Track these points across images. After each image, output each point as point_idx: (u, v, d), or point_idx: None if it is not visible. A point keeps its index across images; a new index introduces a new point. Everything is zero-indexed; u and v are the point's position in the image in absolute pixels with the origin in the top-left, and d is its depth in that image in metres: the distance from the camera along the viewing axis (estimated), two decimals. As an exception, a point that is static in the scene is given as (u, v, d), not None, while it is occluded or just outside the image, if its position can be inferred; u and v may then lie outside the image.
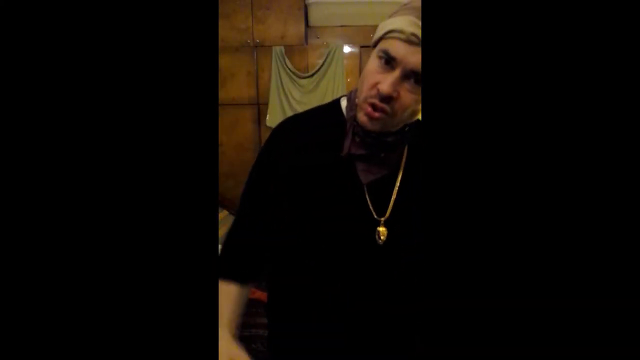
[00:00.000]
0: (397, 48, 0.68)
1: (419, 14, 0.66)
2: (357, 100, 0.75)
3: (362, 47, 3.05)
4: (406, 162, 0.82)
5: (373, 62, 0.71)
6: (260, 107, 3.13)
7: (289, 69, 3.04)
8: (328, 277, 0.79)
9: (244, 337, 2.20)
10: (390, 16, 0.70)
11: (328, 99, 2.94)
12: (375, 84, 0.71)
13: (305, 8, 3.09)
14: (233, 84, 3.11)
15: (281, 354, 0.86)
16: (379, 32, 0.71)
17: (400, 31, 0.67)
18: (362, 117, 0.74)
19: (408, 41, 0.67)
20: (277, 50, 3.02)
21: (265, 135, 3.17)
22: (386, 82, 0.69)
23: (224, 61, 3.06)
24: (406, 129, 0.79)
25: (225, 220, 2.96)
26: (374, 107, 0.72)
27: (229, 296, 0.86)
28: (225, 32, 3.04)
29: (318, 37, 3.11)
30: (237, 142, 3.19)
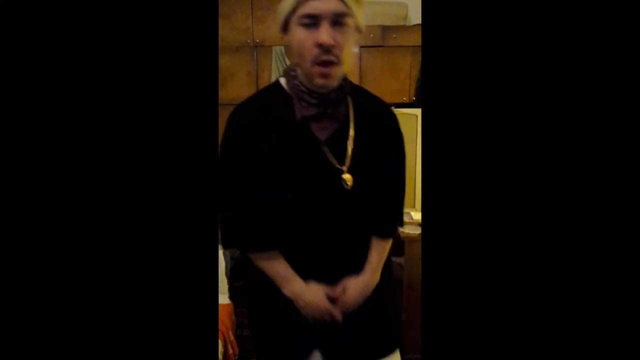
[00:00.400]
0: (314, 6, 0.77)
1: None
2: (303, 70, 0.84)
3: (362, 47, 3.05)
4: (354, 115, 0.92)
5: (298, 33, 0.80)
6: (260, 107, 3.13)
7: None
8: (307, 222, 0.89)
9: (243, 337, 2.20)
10: None
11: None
12: (314, 45, 0.78)
13: None
14: (233, 84, 3.10)
15: (263, 293, 0.96)
16: (286, 11, 0.80)
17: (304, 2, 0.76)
18: (318, 81, 0.83)
19: None
20: (277, 50, 3.01)
21: (266, 135, 3.15)
22: (322, 35, 0.77)
23: (223, 61, 3.05)
24: (343, 83, 0.90)
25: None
26: (323, 64, 0.79)
27: (279, 260, 0.93)
28: (225, 32, 3.04)
29: (318, 37, 3.11)
30: (237, 142, 3.19)
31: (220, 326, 1.73)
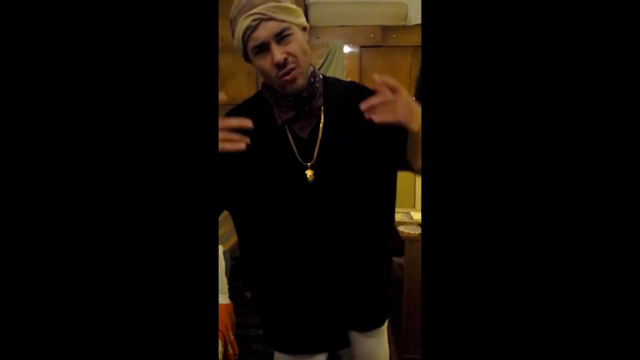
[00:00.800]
0: (256, 37, 0.89)
1: (247, 8, 0.89)
2: (274, 84, 0.95)
3: (362, 47, 3.05)
4: (324, 113, 0.99)
5: (257, 61, 0.93)
6: (260, 107, 3.13)
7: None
8: (274, 213, 0.99)
9: (243, 337, 2.20)
10: (236, 24, 0.92)
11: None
12: (272, 66, 0.90)
13: (305, 8, 3.09)
14: (233, 84, 3.10)
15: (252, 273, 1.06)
16: (239, 47, 0.94)
17: (248, 27, 0.89)
18: (288, 87, 0.93)
19: (256, 28, 0.88)
20: (277, 50, 3.02)
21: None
22: (275, 56, 0.88)
23: (223, 61, 3.05)
24: (312, 80, 0.97)
25: (225, 221, 2.95)
26: (286, 74, 0.90)
27: None
28: (225, 32, 3.04)
29: (318, 37, 3.11)
30: (237, 142, 3.19)
31: (220, 326, 1.73)
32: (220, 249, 1.98)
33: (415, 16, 3.19)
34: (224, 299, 1.93)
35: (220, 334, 1.72)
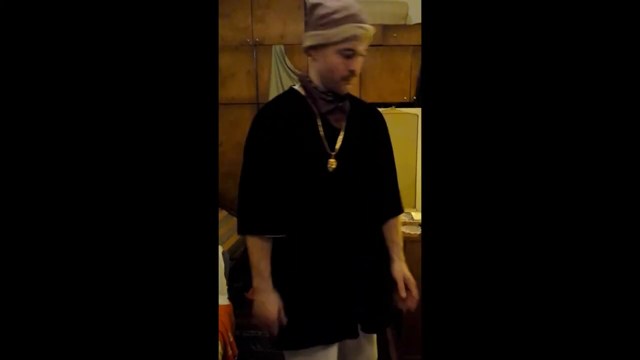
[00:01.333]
0: (357, 45, 1.05)
1: (358, 18, 1.03)
2: (328, 81, 1.09)
3: (362, 46, 3.04)
4: (349, 111, 1.15)
5: (334, 59, 1.05)
6: (259, 106, 3.12)
7: (289, 67, 3.03)
8: (301, 201, 1.09)
9: (242, 338, 2.20)
10: (329, 27, 1.02)
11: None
12: (347, 70, 1.06)
13: (305, 6, 3.08)
14: (233, 83, 3.10)
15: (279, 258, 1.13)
16: (328, 41, 1.03)
17: (356, 36, 1.03)
18: (345, 88, 1.10)
19: (360, 38, 1.04)
20: (277, 49, 3.01)
21: (265, 135, 3.13)
22: (356, 66, 1.07)
23: (223, 60, 3.05)
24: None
25: (225, 220, 2.95)
26: (349, 79, 1.08)
27: (263, 250, 1.10)
28: (225, 31, 3.03)
29: (318, 36, 3.10)
30: (236, 142, 3.18)
31: (220, 327, 1.73)
32: (220, 249, 1.98)
33: (415, 15, 3.19)
34: (223, 299, 1.92)
35: (219, 335, 1.71)
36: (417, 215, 2.21)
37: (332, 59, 1.05)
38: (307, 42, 1.07)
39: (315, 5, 1.04)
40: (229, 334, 1.83)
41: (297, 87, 1.16)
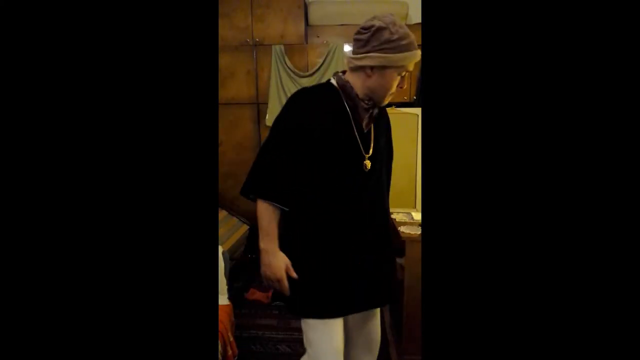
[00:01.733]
0: (411, 67, 1.22)
1: (415, 45, 1.17)
2: (379, 94, 1.21)
3: (362, 46, 3.04)
4: (375, 118, 1.28)
5: (393, 77, 1.18)
6: (259, 106, 3.12)
7: (289, 67, 3.02)
8: (337, 195, 1.22)
9: (243, 338, 2.20)
10: (394, 51, 1.14)
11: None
12: (398, 86, 1.22)
13: (305, 7, 3.08)
14: (232, 83, 3.09)
15: (303, 252, 1.24)
16: (394, 64, 1.15)
17: (414, 60, 1.18)
18: (386, 101, 1.25)
19: (412, 62, 1.19)
20: (277, 49, 3.00)
21: (265, 135, 3.17)
22: (405, 83, 1.25)
23: (223, 60, 3.05)
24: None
25: (225, 220, 2.95)
26: (393, 94, 1.24)
27: (274, 216, 1.22)
28: (225, 31, 3.03)
29: (318, 36, 3.10)
30: (236, 142, 3.18)
31: (220, 327, 1.73)
32: (220, 249, 1.97)
33: (415, 15, 3.19)
34: (223, 299, 1.92)
35: (219, 335, 1.71)
36: (417, 215, 2.21)
37: (390, 77, 1.18)
38: (368, 62, 1.16)
39: (381, 29, 1.13)
40: (229, 333, 1.83)
41: (333, 80, 1.26)
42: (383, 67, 1.15)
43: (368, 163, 1.24)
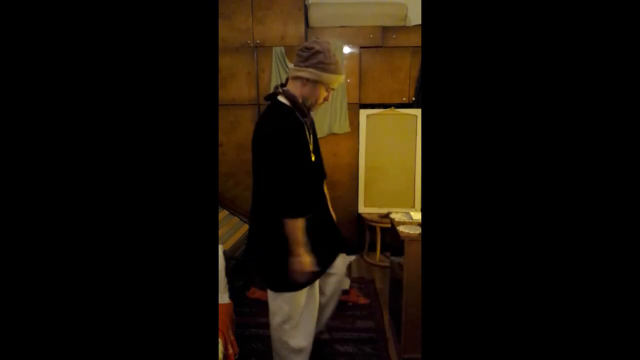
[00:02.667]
0: (336, 86, 1.54)
1: (341, 70, 1.52)
2: (312, 102, 1.54)
3: (362, 47, 3.06)
4: (312, 125, 1.64)
5: (323, 92, 1.52)
6: (260, 107, 3.14)
7: (289, 69, 3.04)
8: (315, 197, 1.63)
9: (244, 337, 2.21)
10: (325, 72, 1.45)
11: (328, 99, 2.94)
12: (325, 99, 1.55)
13: (305, 9, 3.09)
14: (233, 84, 3.11)
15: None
16: (325, 83, 1.49)
17: (339, 82, 1.53)
18: (318, 106, 1.57)
19: (339, 82, 1.54)
20: (277, 50, 3.02)
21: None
22: (329, 96, 1.57)
23: (224, 62, 3.06)
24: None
25: (225, 220, 2.97)
26: (321, 104, 1.57)
27: (303, 227, 1.48)
28: (226, 32, 3.05)
29: (318, 38, 3.12)
30: (237, 143, 3.20)
31: (220, 325, 1.74)
32: (220, 248, 1.99)
33: (414, 17, 3.20)
34: (224, 298, 1.93)
35: (220, 334, 1.72)
36: (417, 215, 2.22)
37: (320, 92, 1.51)
38: (305, 75, 1.45)
39: (318, 52, 1.42)
40: (230, 332, 1.84)
41: (281, 99, 1.52)
42: (315, 82, 1.46)
43: (313, 156, 1.57)
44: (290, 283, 1.54)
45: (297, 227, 1.45)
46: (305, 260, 1.49)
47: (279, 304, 1.60)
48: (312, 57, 1.42)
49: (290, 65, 3.06)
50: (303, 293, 1.59)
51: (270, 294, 1.62)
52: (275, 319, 1.64)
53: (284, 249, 1.48)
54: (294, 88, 1.49)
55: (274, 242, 1.50)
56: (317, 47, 1.42)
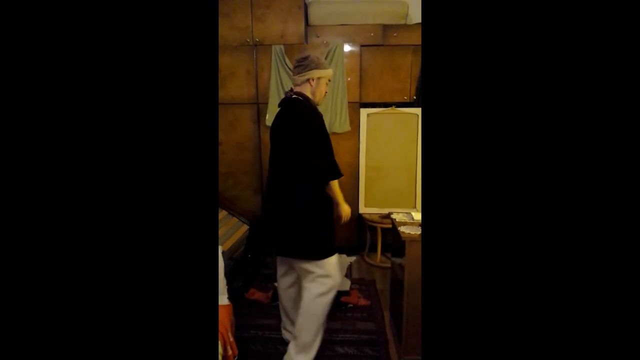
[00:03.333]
0: (330, 77, 1.95)
1: (327, 65, 1.92)
2: (318, 97, 1.90)
3: (362, 45, 3.03)
4: None
5: (325, 86, 1.90)
6: (259, 106, 3.12)
7: (289, 67, 3.02)
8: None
9: (244, 338, 2.19)
10: (323, 68, 1.86)
11: (328, 97, 2.94)
12: (326, 92, 1.94)
13: (305, 7, 3.07)
14: (232, 83, 3.09)
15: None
16: (326, 77, 1.90)
17: (330, 74, 1.94)
18: (321, 101, 1.94)
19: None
20: (277, 49, 3.00)
21: (265, 135, 3.13)
22: (327, 89, 1.95)
23: (223, 60, 3.04)
24: None
25: (224, 220, 2.95)
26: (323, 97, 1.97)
27: (338, 185, 1.87)
28: (225, 30, 3.02)
29: (318, 36, 3.09)
30: (236, 142, 3.18)
31: (220, 327, 1.72)
32: (220, 249, 1.97)
33: (415, 15, 3.18)
34: (223, 300, 1.91)
35: (219, 335, 1.70)
36: (418, 216, 2.20)
37: (323, 86, 1.89)
38: (310, 76, 1.85)
39: (312, 56, 1.85)
40: (229, 334, 1.82)
41: (294, 95, 1.88)
42: (318, 78, 1.86)
43: None
44: (331, 249, 1.86)
45: (337, 185, 1.86)
46: (347, 208, 1.94)
47: (327, 269, 1.85)
48: (309, 62, 1.84)
49: (289, 64, 3.04)
50: (336, 256, 1.92)
51: (314, 265, 1.84)
52: (326, 283, 1.85)
53: (324, 220, 1.84)
54: (303, 90, 1.86)
55: (316, 217, 1.82)
56: (307, 54, 1.86)
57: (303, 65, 1.83)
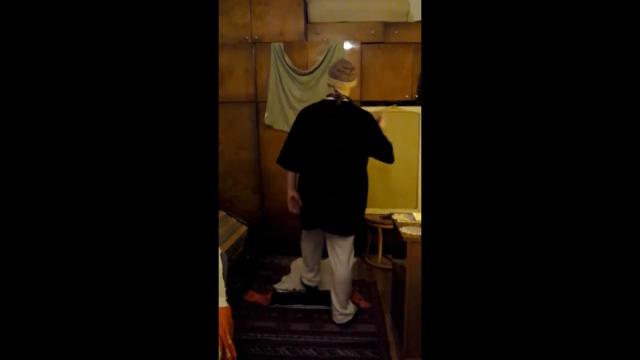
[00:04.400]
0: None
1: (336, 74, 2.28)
2: (354, 95, 2.61)
3: (363, 43, 3.00)
4: None
5: (356, 85, 2.31)
6: (258, 105, 3.08)
7: (288, 65, 2.99)
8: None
9: (242, 341, 2.17)
10: (336, 77, 2.21)
11: None
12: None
13: (305, 4, 3.04)
14: (231, 81, 3.06)
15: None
16: (357, 83, 2.39)
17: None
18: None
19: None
20: (276, 46, 2.97)
21: (264, 134, 3.11)
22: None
23: (222, 58, 3.01)
24: None
25: (223, 221, 2.91)
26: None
27: (291, 176, 2.35)
28: (224, 28, 2.99)
29: (318, 34, 3.06)
30: (235, 141, 3.14)
31: (218, 330, 1.70)
32: (219, 250, 1.94)
33: (416, 13, 3.15)
34: (222, 302, 1.88)
35: (218, 338, 1.68)
36: (419, 216, 2.17)
37: (355, 85, 2.25)
38: (354, 79, 2.20)
39: (353, 67, 2.20)
40: (228, 336, 1.80)
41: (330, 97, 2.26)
42: (355, 85, 2.23)
43: None
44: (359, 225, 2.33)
45: (287, 175, 2.34)
46: (291, 193, 2.36)
47: (350, 242, 2.24)
48: (352, 70, 2.18)
49: (289, 62, 3.02)
50: (303, 233, 2.49)
51: (344, 242, 2.22)
52: (351, 255, 2.27)
53: (364, 201, 2.27)
54: (347, 94, 2.21)
55: (364, 201, 2.26)
56: (350, 62, 2.25)
57: (353, 74, 2.18)
